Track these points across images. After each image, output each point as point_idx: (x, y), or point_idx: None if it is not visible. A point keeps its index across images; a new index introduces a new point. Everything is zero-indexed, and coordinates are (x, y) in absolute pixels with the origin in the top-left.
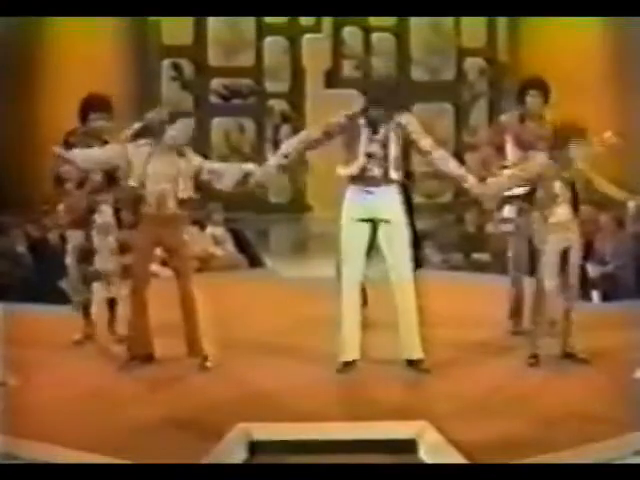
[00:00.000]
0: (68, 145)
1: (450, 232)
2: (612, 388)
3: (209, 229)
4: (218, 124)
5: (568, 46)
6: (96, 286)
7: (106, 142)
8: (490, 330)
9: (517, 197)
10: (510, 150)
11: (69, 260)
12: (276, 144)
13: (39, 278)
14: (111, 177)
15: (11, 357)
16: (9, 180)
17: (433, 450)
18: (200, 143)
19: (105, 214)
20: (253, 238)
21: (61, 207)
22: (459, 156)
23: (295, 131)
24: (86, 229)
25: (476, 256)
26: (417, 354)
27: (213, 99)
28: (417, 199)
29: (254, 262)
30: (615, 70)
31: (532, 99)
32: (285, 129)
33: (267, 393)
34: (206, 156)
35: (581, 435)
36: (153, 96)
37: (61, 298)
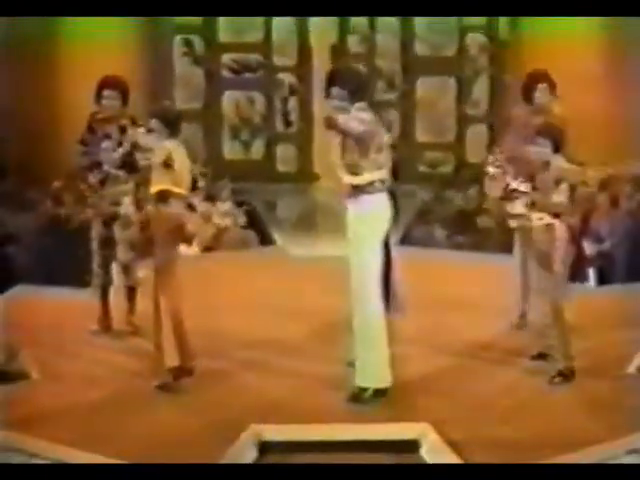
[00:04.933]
0: (92, 130)
1: (452, 207)
2: (608, 387)
3: (219, 204)
4: (229, 97)
5: (566, 31)
6: (116, 275)
7: (123, 127)
8: (494, 324)
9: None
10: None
11: (94, 245)
12: (285, 115)
13: (58, 259)
14: (132, 167)
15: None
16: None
17: (435, 451)
18: (212, 115)
19: (126, 206)
20: (261, 209)
21: (89, 201)
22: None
23: (302, 103)
24: (109, 221)
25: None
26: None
27: (224, 73)
28: (421, 168)
29: (264, 238)
30: (613, 60)
31: (541, 94)
32: (293, 101)
33: (276, 394)
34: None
35: (579, 434)
36: (166, 72)
37: (81, 280)
